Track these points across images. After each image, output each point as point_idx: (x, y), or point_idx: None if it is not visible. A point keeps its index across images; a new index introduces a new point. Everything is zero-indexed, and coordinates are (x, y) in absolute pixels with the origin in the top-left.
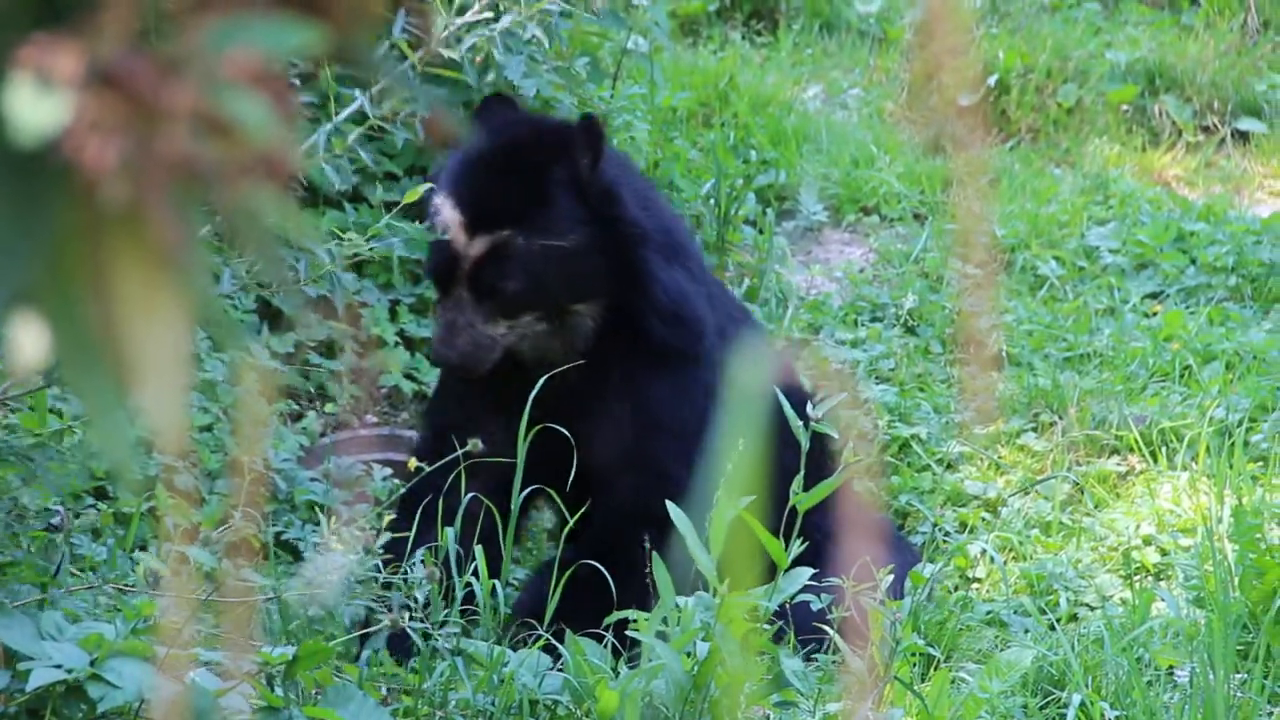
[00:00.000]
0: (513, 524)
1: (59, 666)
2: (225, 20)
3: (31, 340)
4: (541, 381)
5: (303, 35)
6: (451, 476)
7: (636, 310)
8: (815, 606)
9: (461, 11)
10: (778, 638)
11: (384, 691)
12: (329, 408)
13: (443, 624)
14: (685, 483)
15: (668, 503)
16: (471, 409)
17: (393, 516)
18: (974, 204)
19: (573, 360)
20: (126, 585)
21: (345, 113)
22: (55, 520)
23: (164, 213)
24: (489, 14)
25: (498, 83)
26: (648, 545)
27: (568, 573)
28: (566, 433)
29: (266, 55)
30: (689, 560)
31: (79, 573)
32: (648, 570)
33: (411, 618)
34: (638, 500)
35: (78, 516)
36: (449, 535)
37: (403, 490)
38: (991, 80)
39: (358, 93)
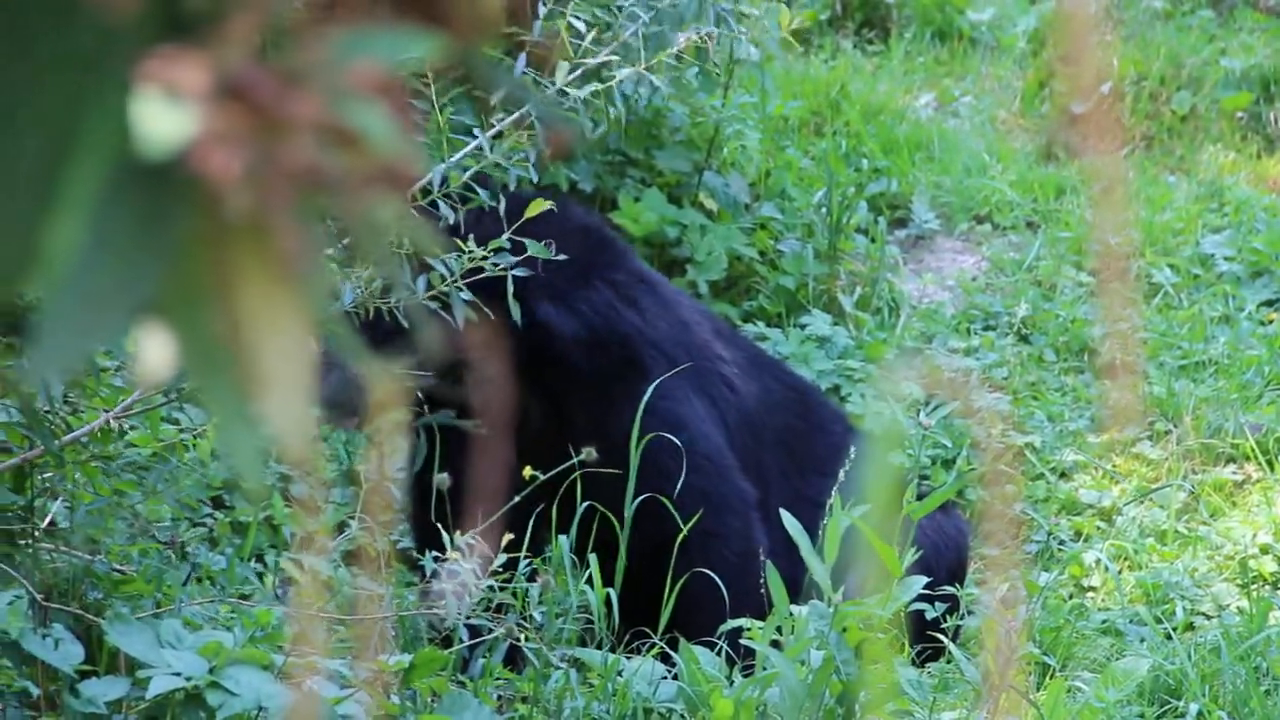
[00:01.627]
0: (625, 536)
1: (178, 674)
2: (348, 32)
3: (158, 350)
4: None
5: (425, 46)
6: (564, 486)
7: (551, 348)
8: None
9: (587, 54)
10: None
11: (498, 699)
12: None
13: (557, 636)
14: (694, 484)
15: (782, 511)
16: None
17: (511, 536)
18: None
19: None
20: (245, 594)
21: (461, 153)
22: (167, 538)
23: (288, 223)
24: (612, 57)
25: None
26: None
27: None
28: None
29: (389, 66)
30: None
31: (197, 581)
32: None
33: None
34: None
35: (195, 526)
36: (563, 544)
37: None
38: (1105, 88)
39: (476, 133)
